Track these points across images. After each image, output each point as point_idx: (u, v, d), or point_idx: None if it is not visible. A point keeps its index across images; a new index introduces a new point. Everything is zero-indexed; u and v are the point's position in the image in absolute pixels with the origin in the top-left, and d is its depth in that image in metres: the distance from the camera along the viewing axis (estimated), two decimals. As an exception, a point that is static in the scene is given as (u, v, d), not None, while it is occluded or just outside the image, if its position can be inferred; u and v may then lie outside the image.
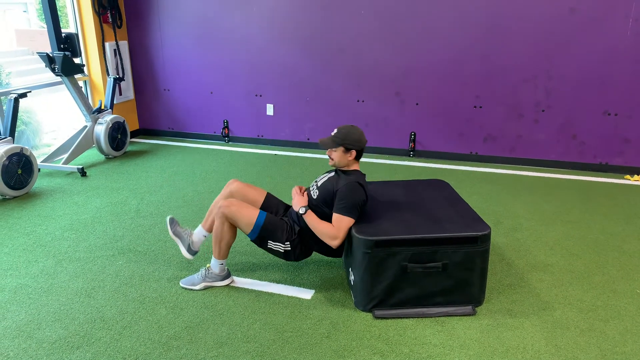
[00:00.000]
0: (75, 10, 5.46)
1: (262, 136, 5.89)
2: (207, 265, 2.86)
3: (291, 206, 2.87)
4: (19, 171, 4.19)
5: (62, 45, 4.76)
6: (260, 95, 5.74)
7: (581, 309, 2.67)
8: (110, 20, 5.63)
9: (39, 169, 4.71)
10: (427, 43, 5.07)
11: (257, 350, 2.33)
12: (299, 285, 2.90)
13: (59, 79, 5.05)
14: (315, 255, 3.06)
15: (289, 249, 2.76)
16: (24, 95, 4.41)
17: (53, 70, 4.77)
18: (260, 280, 2.94)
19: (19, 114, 4.54)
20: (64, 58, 4.70)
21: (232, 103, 5.87)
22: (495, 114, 5.08)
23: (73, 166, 4.81)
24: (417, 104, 5.27)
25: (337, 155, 2.70)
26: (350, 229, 2.61)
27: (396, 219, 2.70)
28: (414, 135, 5.36)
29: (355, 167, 2.76)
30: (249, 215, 2.71)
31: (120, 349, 2.34)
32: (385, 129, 5.44)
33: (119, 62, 5.84)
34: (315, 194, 2.77)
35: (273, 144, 5.86)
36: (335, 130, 2.71)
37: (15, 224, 3.71)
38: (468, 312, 2.60)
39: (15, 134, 4.38)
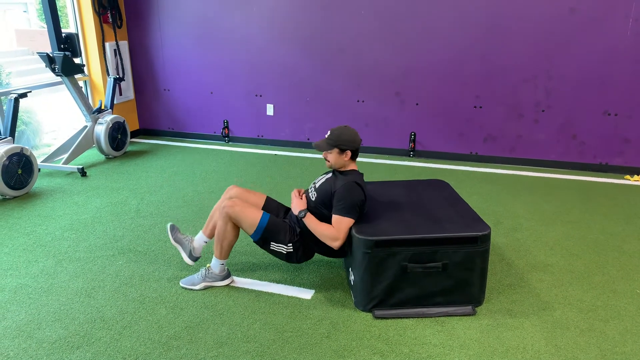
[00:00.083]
0: (75, 10, 5.47)
1: (262, 136, 5.89)
2: (207, 265, 2.86)
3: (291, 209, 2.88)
4: (19, 171, 4.19)
5: (62, 45, 4.76)
6: (260, 96, 5.74)
7: (581, 309, 2.67)
8: (111, 20, 5.63)
9: (39, 169, 4.71)
10: (427, 43, 5.07)
11: (257, 350, 2.34)
12: (299, 285, 2.90)
13: (59, 79, 5.05)
14: (315, 255, 3.06)
15: (292, 250, 2.76)
16: (24, 95, 4.41)
17: (53, 70, 4.77)
18: (260, 280, 2.95)
19: (19, 114, 4.54)
20: (64, 58, 4.71)
21: (232, 103, 5.87)
22: (495, 114, 5.08)
23: (73, 166, 4.81)
24: (417, 104, 5.27)
25: (332, 157, 2.71)
26: (350, 229, 2.61)
27: (396, 219, 2.70)
28: (414, 135, 5.36)
29: (352, 167, 2.76)
30: (253, 216, 2.72)
31: (120, 349, 2.34)
32: (385, 129, 5.44)
33: (119, 62, 5.84)
34: (313, 196, 2.77)
35: (273, 144, 5.86)
36: (329, 132, 2.71)
37: (15, 224, 3.71)
38: (468, 312, 2.61)
39: (16, 134, 4.38)
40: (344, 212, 2.59)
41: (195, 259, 3.01)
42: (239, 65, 5.69)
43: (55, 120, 6.51)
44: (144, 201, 4.15)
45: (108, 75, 5.73)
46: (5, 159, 4.06)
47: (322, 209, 2.70)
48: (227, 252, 2.80)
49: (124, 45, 5.92)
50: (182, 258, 3.12)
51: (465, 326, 2.52)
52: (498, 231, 3.59)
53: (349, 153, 2.69)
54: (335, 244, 2.62)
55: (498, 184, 4.59)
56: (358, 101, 5.42)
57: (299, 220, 2.74)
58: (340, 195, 2.60)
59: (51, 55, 4.72)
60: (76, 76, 5.15)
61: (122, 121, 5.39)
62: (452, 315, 2.60)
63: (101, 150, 5.29)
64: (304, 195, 2.84)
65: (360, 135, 2.75)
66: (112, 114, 5.47)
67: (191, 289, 2.83)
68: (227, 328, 2.50)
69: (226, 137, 6.00)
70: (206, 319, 2.57)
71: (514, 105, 5.00)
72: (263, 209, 2.93)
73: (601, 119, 4.80)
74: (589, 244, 3.41)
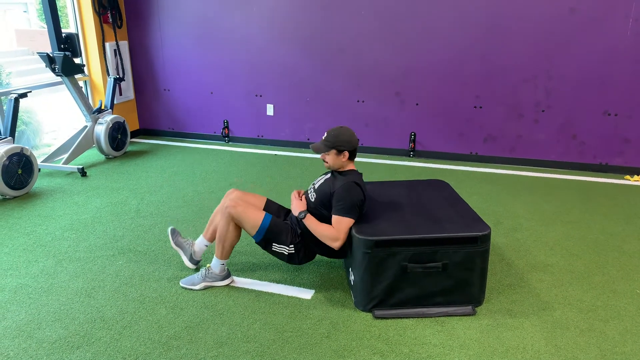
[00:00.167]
0: (75, 10, 5.47)
1: (262, 136, 5.89)
2: (208, 265, 2.86)
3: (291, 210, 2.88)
4: (19, 171, 4.19)
5: (62, 45, 4.76)
6: (260, 96, 5.74)
7: (581, 309, 2.67)
8: (111, 20, 5.63)
9: (39, 169, 4.71)
10: (427, 43, 5.07)
11: (257, 350, 2.34)
12: (299, 285, 2.90)
13: (59, 79, 5.05)
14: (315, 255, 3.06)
15: (293, 252, 2.77)
16: (24, 95, 4.41)
17: (53, 70, 4.77)
18: (260, 280, 2.95)
19: (19, 114, 4.55)
20: (64, 58, 4.71)
21: (232, 103, 5.87)
22: (495, 114, 5.08)
23: (73, 166, 4.81)
24: (417, 104, 5.27)
25: (330, 159, 2.71)
26: (350, 229, 2.61)
27: (396, 219, 2.70)
28: (414, 135, 5.36)
29: (350, 167, 2.76)
30: (255, 217, 2.72)
31: (120, 349, 2.34)
32: (385, 129, 5.44)
33: (119, 62, 5.84)
34: (313, 197, 2.77)
35: (273, 144, 5.86)
36: (325, 134, 2.72)
37: (15, 224, 3.72)
38: (468, 312, 2.61)
39: (16, 134, 4.38)
40: (343, 212, 2.59)
41: (196, 262, 3.03)
42: (239, 65, 5.70)
43: (55, 120, 6.51)
44: (144, 201, 4.15)
45: (108, 75, 5.73)
46: (5, 159, 4.06)
47: (321, 209, 2.70)
48: (228, 253, 2.80)
49: (124, 45, 5.92)
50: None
51: (465, 326, 2.52)
52: (498, 231, 3.59)
53: (346, 154, 2.69)
54: (336, 245, 2.62)
55: (498, 184, 4.59)
56: (358, 101, 5.42)
57: (299, 221, 2.74)
58: (340, 195, 2.60)
59: (51, 55, 4.72)
60: (76, 76, 5.15)
61: (122, 121, 5.39)
62: (452, 315, 2.60)
63: (101, 150, 5.29)
64: (303, 197, 2.84)
65: (360, 135, 2.76)
66: (112, 114, 5.47)
67: (191, 289, 2.83)
68: (227, 328, 2.50)
69: (226, 137, 6.00)
70: (206, 319, 2.57)
71: (514, 105, 5.00)
72: (264, 210, 2.93)
73: (601, 119, 4.80)
74: (589, 244, 3.41)
